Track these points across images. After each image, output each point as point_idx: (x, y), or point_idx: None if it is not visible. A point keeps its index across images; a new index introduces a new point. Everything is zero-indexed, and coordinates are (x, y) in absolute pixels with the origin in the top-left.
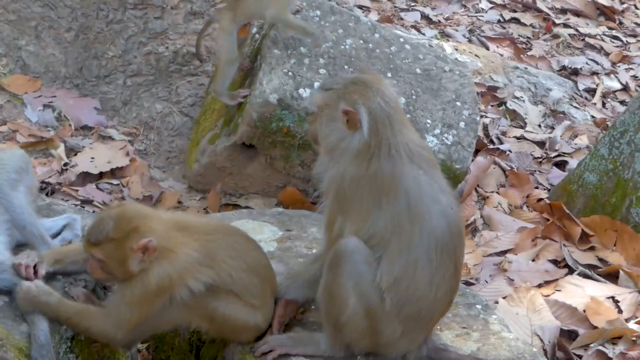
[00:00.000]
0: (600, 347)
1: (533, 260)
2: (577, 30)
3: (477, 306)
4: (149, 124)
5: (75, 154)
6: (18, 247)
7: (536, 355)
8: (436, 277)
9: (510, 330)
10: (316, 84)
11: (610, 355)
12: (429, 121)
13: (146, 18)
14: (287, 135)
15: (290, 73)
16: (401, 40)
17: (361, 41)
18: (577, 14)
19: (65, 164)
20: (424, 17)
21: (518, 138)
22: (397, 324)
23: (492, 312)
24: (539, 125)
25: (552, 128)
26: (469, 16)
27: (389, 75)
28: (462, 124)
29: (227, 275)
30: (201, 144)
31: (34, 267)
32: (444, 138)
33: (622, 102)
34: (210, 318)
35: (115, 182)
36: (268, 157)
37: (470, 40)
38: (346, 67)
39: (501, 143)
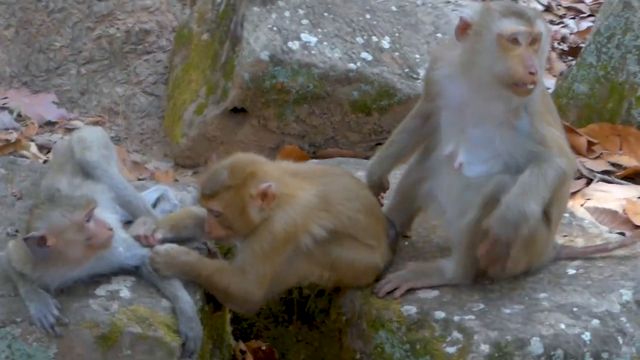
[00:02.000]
0: None
1: None
2: None
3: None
4: (114, 109)
5: (49, 151)
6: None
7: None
8: None
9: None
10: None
11: None
12: (417, 56)
13: (89, 2)
14: (281, 92)
15: (275, 28)
16: None
17: None
18: None
19: (45, 162)
20: None
21: None
22: (552, 235)
23: (581, 219)
24: None
25: None
26: None
27: (368, 16)
28: None
29: (346, 218)
30: (185, 117)
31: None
32: None
33: (550, 22)
34: (332, 265)
35: None
36: (261, 118)
37: None
38: (326, 14)
39: None
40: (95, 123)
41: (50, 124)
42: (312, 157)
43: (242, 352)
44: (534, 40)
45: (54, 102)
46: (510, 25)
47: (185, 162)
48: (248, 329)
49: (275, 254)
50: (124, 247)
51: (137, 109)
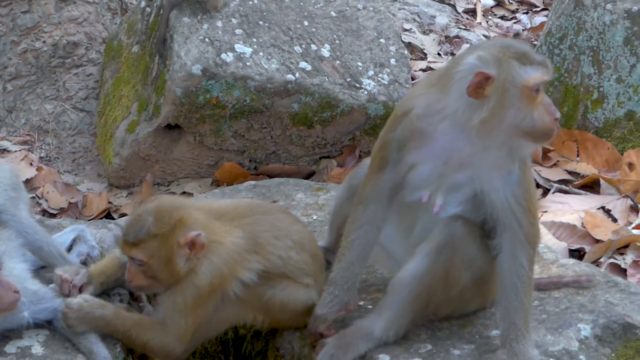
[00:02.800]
0: (612, 260)
1: None
2: None
3: None
4: (43, 127)
5: None
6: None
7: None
8: None
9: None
10: (231, 53)
11: (623, 266)
12: (359, 64)
13: (13, 14)
14: (217, 107)
15: (207, 39)
16: None
17: None
18: None
19: None
20: None
21: (424, 69)
22: None
23: None
24: (439, 54)
25: (453, 54)
26: None
27: (306, 23)
28: (392, 61)
29: (277, 258)
30: (117, 135)
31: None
32: (379, 79)
33: (502, 17)
34: (267, 308)
35: (29, 195)
36: (197, 135)
37: None
38: (261, 22)
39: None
40: (24, 142)
41: None
42: (253, 174)
43: None
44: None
45: None
46: (534, 75)
47: (120, 182)
48: None
49: (199, 307)
50: (34, 299)
51: (68, 126)
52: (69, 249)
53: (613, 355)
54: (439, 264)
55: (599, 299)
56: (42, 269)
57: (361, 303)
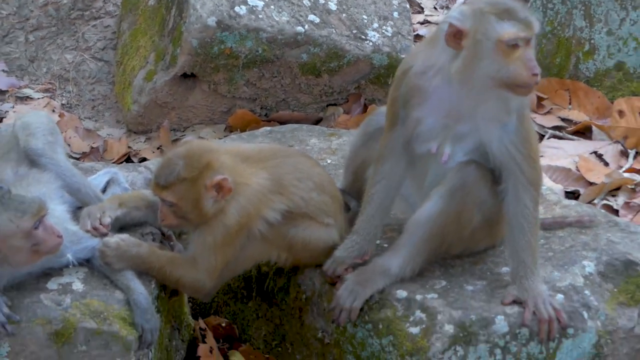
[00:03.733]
0: (605, 201)
1: None
2: None
3: None
4: (64, 76)
5: (1, 120)
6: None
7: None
8: None
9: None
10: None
11: (615, 207)
12: (365, 17)
13: None
14: (230, 57)
15: None
16: None
17: None
18: None
19: None
20: None
21: (422, 23)
22: None
23: None
24: (435, 8)
25: (448, 8)
26: None
27: None
28: (395, 14)
29: (300, 199)
30: (135, 84)
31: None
32: (383, 31)
33: None
34: (290, 246)
35: None
36: (211, 83)
37: None
38: None
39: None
40: (46, 90)
41: (0, 92)
42: (264, 120)
43: (202, 330)
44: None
45: (3, 71)
46: (509, 30)
47: (138, 128)
48: (208, 304)
49: (228, 245)
50: (74, 239)
51: (88, 75)
52: (103, 190)
53: (615, 290)
54: (452, 205)
55: (601, 237)
56: (79, 209)
57: (377, 242)
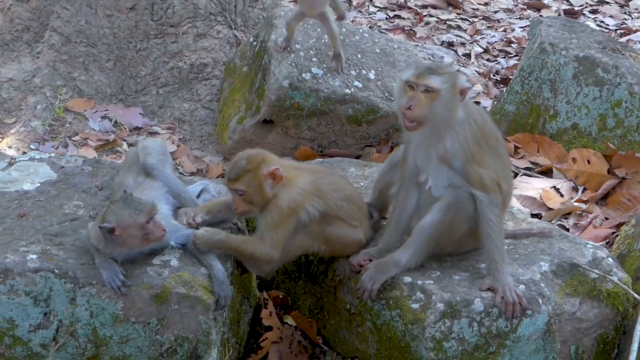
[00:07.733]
0: (559, 222)
1: None
2: (438, 17)
3: None
4: (182, 119)
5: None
6: (174, 210)
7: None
8: None
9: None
10: (309, 74)
11: (567, 226)
12: (394, 84)
13: (165, 43)
14: (297, 109)
15: (293, 64)
16: (360, 30)
17: None
18: (434, 7)
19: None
20: None
21: None
22: None
23: (511, 207)
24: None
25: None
26: (365, 18)
27: (359, 56)
28: None
29: (333, 204)
30: (230, 125)
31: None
32: None
33: (487, 60)
34: (327, 240)
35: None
36: (283, 127)
37: None
38: (329, 54)
39: None
40: (169, 128)
41: (137, 129)
42: (320, 155)
43: (265, 299)
44: (427, 90)
45: (140, 114)
46: (405, 74)
47: (232, 157)
48: (270, 281)
49: (284, 222)
50: (175, 229)
51: (198, 119)
52: (198, 196)
53: (563, 284)
54: (447, 217)
55: (554, 246)
56: (179, 209)
57: None
